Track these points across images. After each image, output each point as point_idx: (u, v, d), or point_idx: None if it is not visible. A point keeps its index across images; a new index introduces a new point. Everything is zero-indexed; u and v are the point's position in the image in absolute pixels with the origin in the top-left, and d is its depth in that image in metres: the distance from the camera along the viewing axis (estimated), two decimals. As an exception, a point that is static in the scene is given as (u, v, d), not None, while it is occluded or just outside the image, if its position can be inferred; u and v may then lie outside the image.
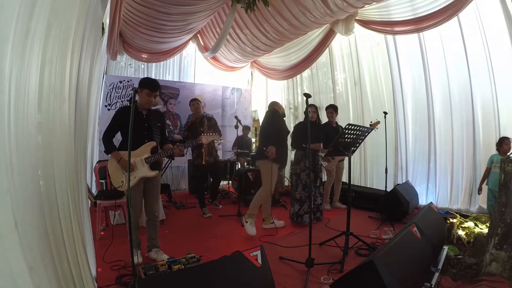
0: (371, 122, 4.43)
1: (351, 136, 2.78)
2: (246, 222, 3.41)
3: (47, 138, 1.23)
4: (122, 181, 2.55)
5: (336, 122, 4.63)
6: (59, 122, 1.32)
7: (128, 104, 2.47)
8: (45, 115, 1.20)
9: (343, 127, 2.72)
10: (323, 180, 4.54)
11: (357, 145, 2.97)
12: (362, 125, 3.36)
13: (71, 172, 1.48)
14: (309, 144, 2.57)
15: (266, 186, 3.48)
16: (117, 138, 2.67)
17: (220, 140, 5.89)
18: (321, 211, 3.97)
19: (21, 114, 1.01)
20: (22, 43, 1.00)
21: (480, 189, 3.63)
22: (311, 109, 3.84)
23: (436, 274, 2.21)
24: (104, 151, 2.69)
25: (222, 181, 6.00)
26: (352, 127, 2.74)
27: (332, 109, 4.53)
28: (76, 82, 1.58)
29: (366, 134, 3.00)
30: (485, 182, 3.53)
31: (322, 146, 3.96)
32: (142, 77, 5.74)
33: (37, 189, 1.17)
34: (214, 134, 2.87)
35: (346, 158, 2.97)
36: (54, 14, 1.18)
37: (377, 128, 4.06)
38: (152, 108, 2.78)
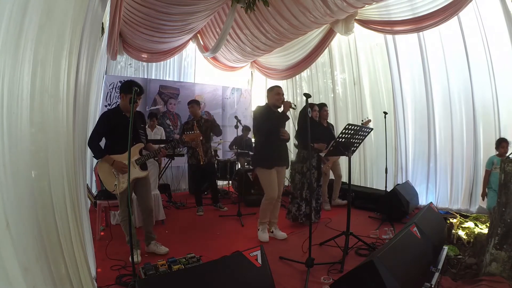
0: (362, 120, 4.41)
1: (348, 136, 2.78)
2: (258, 229, 3.31)
3: (41, 138, 1.22)
4: (115, 184, 2.58)
5: (327, 121, 4.60)
6: (54, 123, 1.31)
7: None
8: (39, 115, 1.19)
9: (344, 126, 2.72)
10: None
11: (357, 145, 2.97)
12: (361, 125, 3.35)
13: (69, 172, 1.47)
14: (309, 143, 2.57)
15: (266, 193, 3.23)
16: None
17: (220, 140, 5.90)
18: (319, 212, 3.96)
19: (14, 115, 1.01)
20: (14, 42, 0.99)
21: (484, 194, 3.55)
22: (313, 108, 3.82)
23: (436, 274, 2.21)
24: (93, 157, 2.63)
25: (222, 181, 6.03)
26: (352, 127, 2.74)
27: (327, 107, 4.52)
28: (75, 82, 1.57)
29: (366, 134, 3.00)
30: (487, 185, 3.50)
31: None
32: (142, 77, 5.83)
33: (31, 189, 1.16)
34: (194, 132, 2.96)
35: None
36: (47, 14, 1.17)
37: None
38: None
